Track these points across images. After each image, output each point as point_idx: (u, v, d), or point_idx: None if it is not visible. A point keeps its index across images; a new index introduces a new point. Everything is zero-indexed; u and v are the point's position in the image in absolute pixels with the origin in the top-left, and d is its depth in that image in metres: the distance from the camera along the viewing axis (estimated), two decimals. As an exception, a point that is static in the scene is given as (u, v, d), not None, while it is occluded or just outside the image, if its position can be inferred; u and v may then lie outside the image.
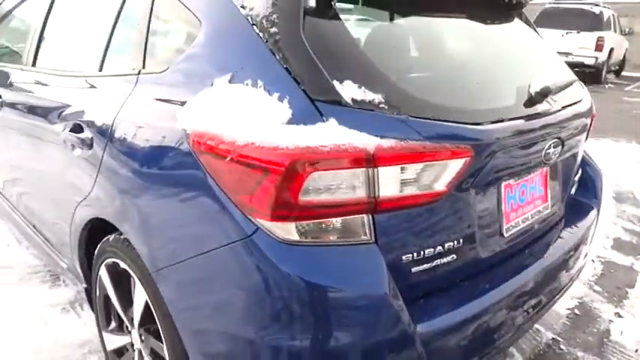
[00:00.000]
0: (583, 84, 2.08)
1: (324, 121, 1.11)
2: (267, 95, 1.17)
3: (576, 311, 2.54)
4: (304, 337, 1.15)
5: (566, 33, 12.39)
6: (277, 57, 1.19)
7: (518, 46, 1.83)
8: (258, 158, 1.10)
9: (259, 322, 1.16)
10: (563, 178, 1.81)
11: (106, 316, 1.83)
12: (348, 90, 1.15)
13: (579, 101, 1.77)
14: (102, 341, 1.86)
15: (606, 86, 12.42)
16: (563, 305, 2.57)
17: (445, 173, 1.22)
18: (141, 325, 1.59)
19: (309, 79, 1.16)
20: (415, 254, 1.23)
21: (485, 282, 1.42)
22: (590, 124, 1.89)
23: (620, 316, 2.51)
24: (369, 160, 1.11)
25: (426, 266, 1.26)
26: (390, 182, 1.15)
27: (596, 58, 12.16)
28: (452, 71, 1.49)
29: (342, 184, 1.11)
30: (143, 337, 1.61)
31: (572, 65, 10.83)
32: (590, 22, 12.33)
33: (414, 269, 1.24)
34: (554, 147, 1.54)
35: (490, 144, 1.30)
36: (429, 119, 1.21)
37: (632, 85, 12.76)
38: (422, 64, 1.53)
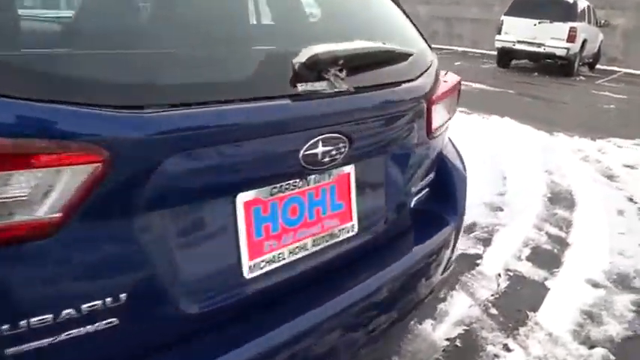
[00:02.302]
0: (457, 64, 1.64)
1: None
2: None
3: (458, 342, 2.09)
4: None
5: (539, 22, 12.01)
6: None
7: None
8: None
9: None
10: (387, 188, 1.34)
11: None
12: None
13: (403, 82, 1.29)
14: None
15: (577, 79, 12.05)
16: (444, 334, 2.13)
17: (55, 190, 0.74)
18: None
19: None
20: (9, 326, 0.75)
21: (209, 349, 0.95)
22: (429, 112, 1.41)
23: (508, 350, 2.06)
24: None
25: (40, 344, 0.78)
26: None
27: (568, 49, 11.78)
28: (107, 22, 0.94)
29: None
30: None
31: (545, 56, 10.51)
32: (564, 12, 11.94)
33: (12, 351, 0.76)
34: (325, 145, 1.06)
35: (160, 139, 0.81)
36: (36, 101, 0.72)
37: (604, 79, 12.40)
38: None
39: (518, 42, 12.23)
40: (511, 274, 2.68)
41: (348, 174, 1.19)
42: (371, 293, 1.22)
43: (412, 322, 2.08)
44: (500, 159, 4.73)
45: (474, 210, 3.46)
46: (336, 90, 1.06)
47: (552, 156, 5.02)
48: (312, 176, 1.10)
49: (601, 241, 3.14)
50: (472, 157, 4.82)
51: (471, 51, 17.63)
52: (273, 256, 1.06)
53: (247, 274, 1.01)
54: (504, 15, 12.73)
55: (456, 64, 13.42)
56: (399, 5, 1.52)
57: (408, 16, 1.53)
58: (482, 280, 2.58)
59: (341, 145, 1.09)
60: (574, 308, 2.38)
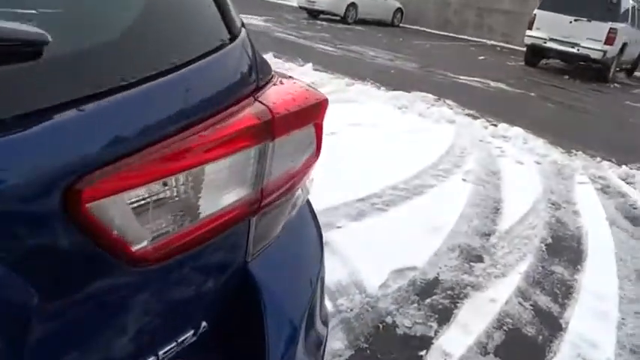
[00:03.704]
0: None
1: None
2: None
3: None
4: None
5: (575, 20, 10.83)
6: None
7: None
8: None
9: None
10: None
11: None
12: None
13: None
14: None
15: (612, 86, 10.90)
16: None
17: None
18: None
19: None
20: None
21: None
22: (81, 213, 0.53)
23: None
24: None
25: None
26: None
27: (605, 52, 10.62)
28: None
29: None
30: None
31: (578, 58, 9.39)
32: (605, 10, 10.73)
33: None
34: None
35: None
36: None
37: (642, 88, 11.20)
38: None
39: (550, 39, 11.08)
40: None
41: None
42: None
43: None
44: (497, 183, 3.83)
45: (443, 259, 2.59)
46: None
47: (564, 183, 4.09)
48: None
49: (606, 326, 2.25)
50: (458, 179, 3.90)
51: (500, 45, 16.42)
52: None
53: None
54: (538, 8, 11.55)
55: (480, 58, 12.34)
56: None
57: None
58: (417, 390, 1.73)
59: None
60: None
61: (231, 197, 0.66)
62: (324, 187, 3.21)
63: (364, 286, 2.26)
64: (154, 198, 0.57)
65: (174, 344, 0.63)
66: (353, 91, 5.98)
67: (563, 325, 2.21)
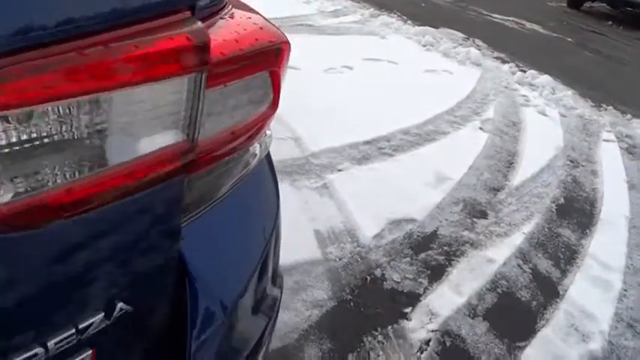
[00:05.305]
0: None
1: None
2: None
3: None
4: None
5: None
6: None
7: None
8: None
9: None
10: None
11: None
12: None
13: None
14: None
15: (658, 36, 10.14)
16: None
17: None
18: None
19: None
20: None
21: None
22: None
23: None
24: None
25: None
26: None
27: (657, -3, 9.77)
28: None
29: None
30: None
31: (625, 3, 8.68)
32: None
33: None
34: None
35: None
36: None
37: (691, 41, 10.41)
38: None
39: (598, -20, 10.22)
40: (448, 342, 1.76)
41: None
42: None
43: None
44: (516, 135, 3.62)
45: (445, 212, 2.48)
46: None
47: (588, 140, 3.86)
48: None
49: (607, 297, 2.15)
50: (475, 128, 3.67)
51: (543, -18, 15.30)
52: None
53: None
54: (589, -57, 10.58)
55: (519, -5, 11.53)
56: None
57: None
58: (397, 350, 1.68)
59: None
60: None
61: (155, 142, 0.53)
62: (329, 125, 3.07)
63: (357, 235, 2.17)
64: (26, 137, 0.44)
65: (72, 331, 0.53)
66: (377, 23, 5.65)
67: (561, 293, 2.12)
